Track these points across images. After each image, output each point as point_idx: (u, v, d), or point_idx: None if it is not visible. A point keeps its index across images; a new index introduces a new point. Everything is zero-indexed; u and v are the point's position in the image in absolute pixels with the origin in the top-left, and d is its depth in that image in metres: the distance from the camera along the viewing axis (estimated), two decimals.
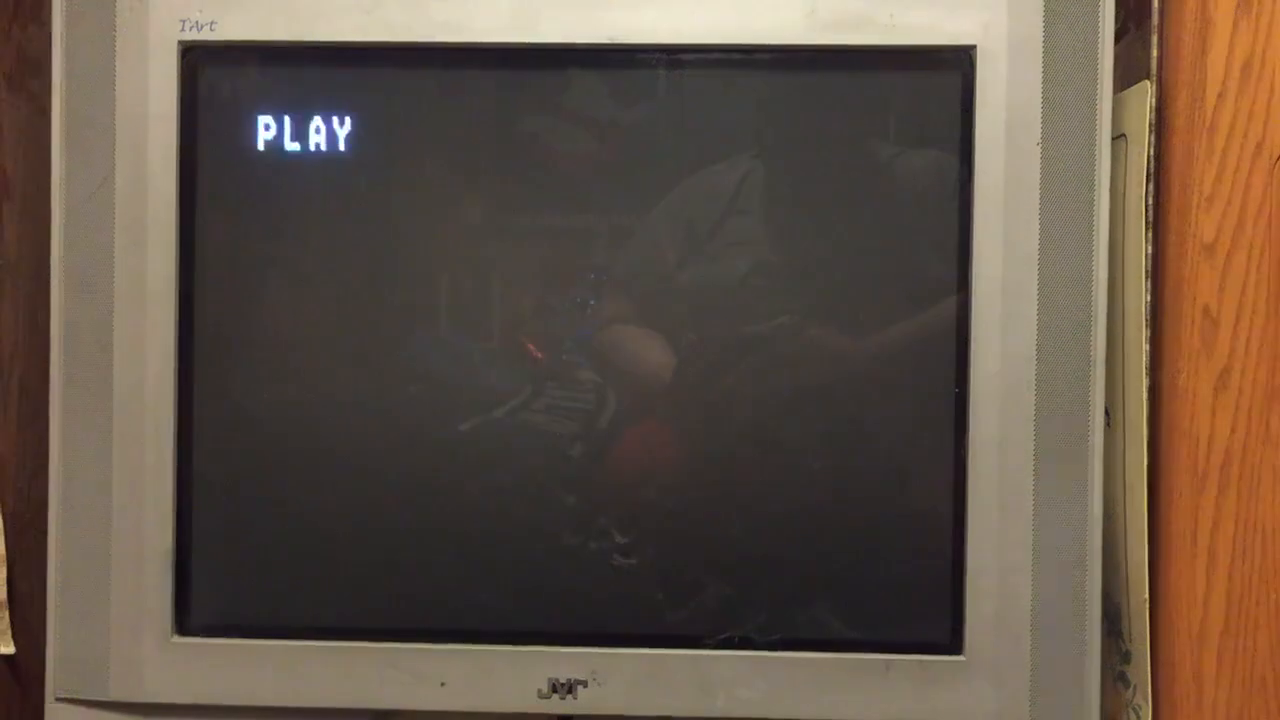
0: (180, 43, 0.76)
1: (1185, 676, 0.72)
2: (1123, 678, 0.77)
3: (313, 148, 0.77)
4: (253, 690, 0.77)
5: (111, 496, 0.76)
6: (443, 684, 0.76)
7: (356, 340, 0.79)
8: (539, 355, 0.78)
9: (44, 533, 0.77)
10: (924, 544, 0.76)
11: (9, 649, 0.80)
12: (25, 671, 0.81)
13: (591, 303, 0.78)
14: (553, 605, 0.78)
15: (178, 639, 0.77)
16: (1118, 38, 0.75)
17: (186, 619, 0.77)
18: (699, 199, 0.77)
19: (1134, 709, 0.76)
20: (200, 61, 0.76)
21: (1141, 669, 0.74)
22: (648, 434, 0.79)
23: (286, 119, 0.77)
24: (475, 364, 0.78)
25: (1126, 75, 0.77)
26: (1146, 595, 0.73)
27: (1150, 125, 0.74)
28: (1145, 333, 0.74)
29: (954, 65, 0.75)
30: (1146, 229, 0.74)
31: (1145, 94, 0.74)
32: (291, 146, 0.77)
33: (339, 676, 0.77)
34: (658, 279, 0.78)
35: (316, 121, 0.77)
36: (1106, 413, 0.75)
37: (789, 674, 0.75)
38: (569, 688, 0.76)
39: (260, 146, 0.77)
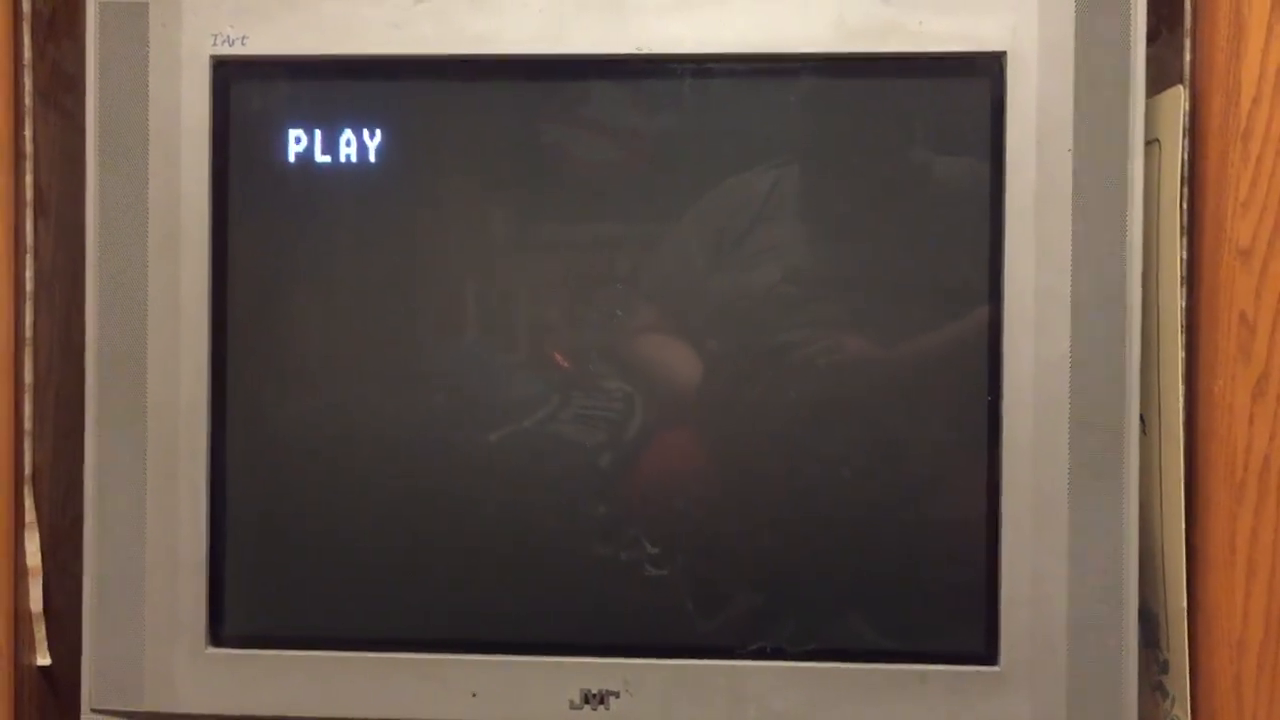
0: (212, 57, 0.76)
1: (1225, 687, 0.71)
2: (1161, 688, 0.76)
3: (343, 160, 0.78)
4: (285, 701, 0.77)
5: (145, 508, 0.77)
6: (474, 695, 0.76)
7: (387, 351, 0.79)
8: (567, 365, 0.78)
9: (80, 545, 0.77)
10: (958, 553, 0.75)
11: (45, 660, 0.81)
12: (61, 683, 0.82)
13: (619, 312, 0.78)
14: (584, 615, 0.77)
15: (211, 650, 0.77)
16: (1149, 41, 0.74)
17: (220, 630, 0.77)
18: (727, 208, 0.77)
19: (1173, 719, 0.75)
20: (232, 76, 0.77)
21: (1180, 679, 0.73)
22: (677, 443, 0.79)
23: (317, 132, 0.78)
24: (504, 374, 0.78)
25: (1159, 80, 0.76)
26: (1185, 604, 0.73)
27: (1184, 130, 0.73)
28: (1181, 339, 0.74)
29: (984, 71, 0.74)
30: (1181, 234, 0.74)
31: (1178, 99, 0.73)
32: (322, 159, 0.78)
33: (370, 687, 0.77)
34: (686, 288, 0.78)
35: (347, 134, 0.78)
36: (1142, 420, 0.74)
37: (823, 685, 0.75)
38: (601, 698, 0.76)
39: (291, 159, 0.78)
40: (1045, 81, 0.73)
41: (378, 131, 0.77)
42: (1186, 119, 0.74)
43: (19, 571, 0.79)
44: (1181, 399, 0.73)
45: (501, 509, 0.78)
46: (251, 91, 0.77)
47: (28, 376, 0.80)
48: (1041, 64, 0.73)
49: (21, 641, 0.80)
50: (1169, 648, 0.75)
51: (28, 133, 0.79)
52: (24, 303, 0.79)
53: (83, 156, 0.77)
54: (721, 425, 0.78)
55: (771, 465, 0.78)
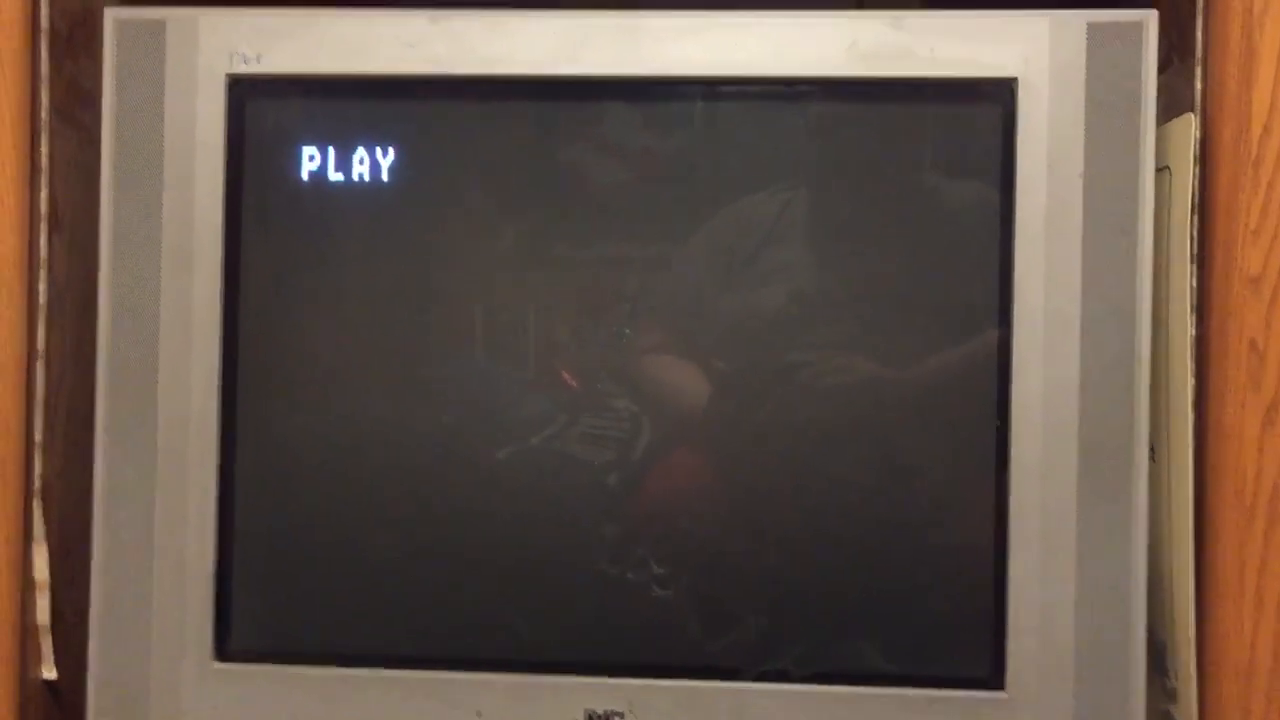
0: (228, 75, 0.77)
1: (1233, 716, 0.71)
2: (1168, 716, 0.76)
3: (356, 179, 0.78)
4: (290, 716, 0.77)
5: (154, 522, 0.77)
6: (479, 713, 0.76)
7: (396, 368, 0.79)
8: (575, 384, 0.78)
9: (88, 558, 0.77)
10: (965, 578, 0.75)
11: (51, 674, 0.81)
12: (67, 696, 0.82)
13: (627, 331, 0.78)
14: (590, 635, 0.77)
15: (218, 665, 0.77)
16: (1161, 69, 0.74)
17: (226, 645, 0.77)
18: (737, 229, 0.78)
19: None
20: (247, 93, 0.77)
21: (1188, 707, 0.73)
22: (685, 463, 0.79)
23: (331, 150, 0.78)
24: (513, 392, 0.78)
25: (1170, 107, 0.76)
26: (1193, 633, 0.72)
27: (1195, 158, 0.73)
28: (1190, 366, 0.74)
29: (995, 98, 0.75)
30: (1191, 262, 0.74)
31: (1189, 126, 0.74)
32: (335, 177, 0.78)
33: (376, 704, 0.77)
34: (695, 308, 0.78)
35: (360, 153, 0.78)
36: (1151, 447, 0.74)
37: (828, 708, 0.75)
38: (606, 719, 0.76)
39: (304, 177, 0.78)
40: (1056, 108, 0.74)
41: (391, 150, 0.78)
42: (1197, 146, 0.74)
43: (27, 584, 0.79)
44: (1191, 426, 0.73)
45: (509, 527, 0.78)
46: (266, 109, 0.78)
47: (39, 389, 0.80)
48: (1053, 91, 0.74)
49: (28, 654, 0.80)
50: (1177, 676, 0.74)
51: (44, 148, 0.80)
52: (37, 316, 0.80)
53: (98, 172, 0.77)
54: (729, 446, 0.78)
55: (779, 486, 0.78)
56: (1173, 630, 0.74)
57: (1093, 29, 0.73)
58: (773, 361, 0.77)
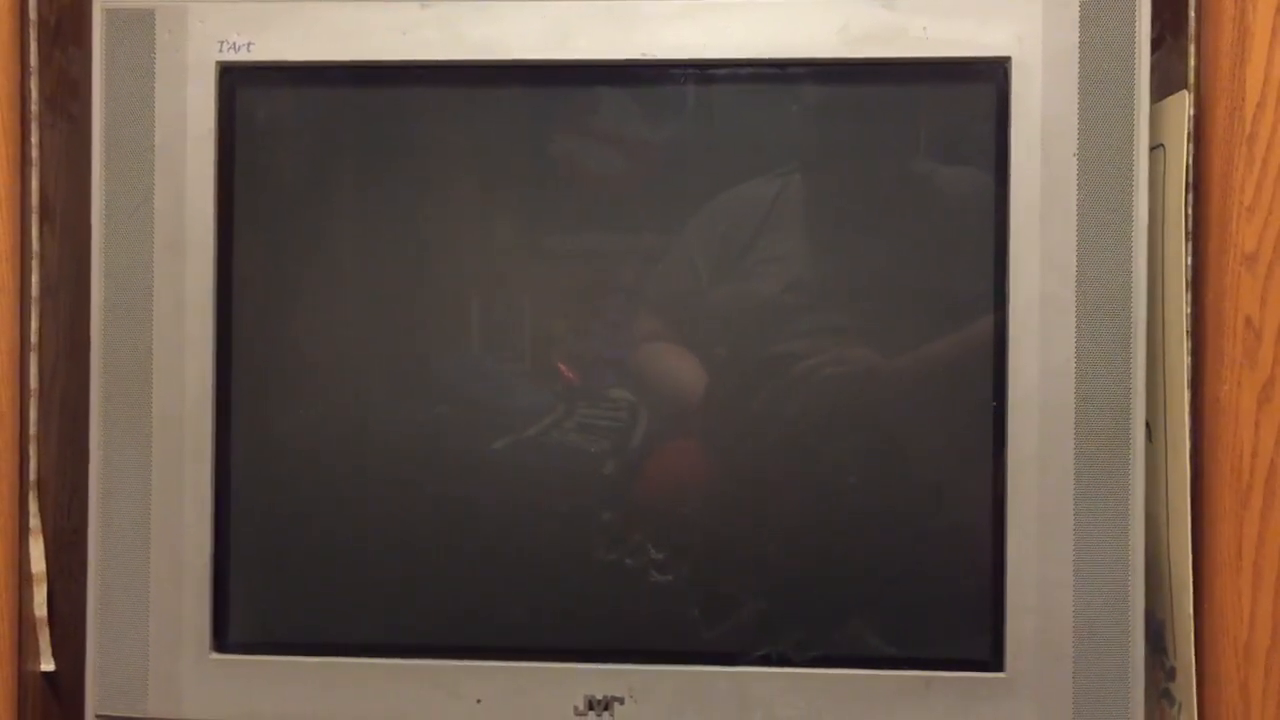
0: (218, 63, 0.77)
1: (1231, 694, 0.71)
2: (1167, 695, 0.76)
3: (348, 167, 0.78)
4: (290, 707, 0.77)
5: (150, 514, 0.77)
6: (479, 701, 0.76)
7: (392, 360, 0.79)
8: (571, 374, 0.78)
9: (84, 550, 0.77)
10: (964, 560, 0.75)
11: (49, 666, 0.81)
12: (65, 688, 0.82)
13: (623, 321, 0.78)
14: (589, 622, 0.77)
15: (215, 656, 0.77)
16: (1154, 47, 0.74)
17: (224, 636, 0.77)
18: (732, 215, 0.77)
19: None
20: (238, 82, 0.77)
21: (1187, 686, 0.73)
22: (682, 450, 0.79)
23: (323, 138, 0.78)
24: (509, 383, 0.78)
25: (1163, 85, 0.76)
26: (1191, 611, 0.72)
27: (1189, 135, 0.73)
28: (1186, 345, 0.73)
29: (989, 77, 0.74)
30: (1186, 240, 0.74)
31: (1183, 104, 0.73)
32: (327, 165, 0.78)
33: (375, 694, 0.77)
34: (691, 296, 0.78)
35: (352, 140, 0.78)
36: (1147, 426, 0.74)
37: (828, 692, 0.75)
38: (606, 705, 0.76)
39: (296, 165, 0.78)
40: (1050, 87, 0.73)
41: (383, 137, 0.77)
42: (1191, 124, 0.74)
43: (23, 577, 0.79)
44: (1187, 405, 0.73)
45: (506, 516, 0.78)
46: (257, 98, 0.77)
47: (33, 382, 0.80)
48: (1046, 70, 0.73)
49: (25, 647, 0.80)
50: (1175, 654, 0.74)
51: (34, 139, 0.79)
52: (30, 308, 0.79)
53: (88, 163, 0.77)
54: (726, 433, 0.78)
55: (777, 472, 0.78)
56: (1171, 608, 0.75)
57: (1085, 7, 0.73)
58: (769, 349, 0.77)
